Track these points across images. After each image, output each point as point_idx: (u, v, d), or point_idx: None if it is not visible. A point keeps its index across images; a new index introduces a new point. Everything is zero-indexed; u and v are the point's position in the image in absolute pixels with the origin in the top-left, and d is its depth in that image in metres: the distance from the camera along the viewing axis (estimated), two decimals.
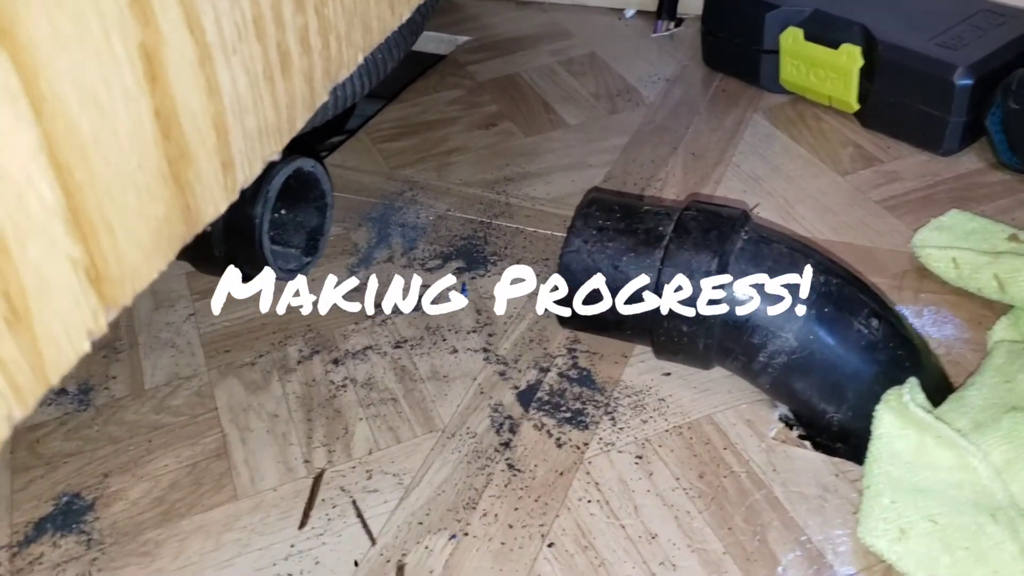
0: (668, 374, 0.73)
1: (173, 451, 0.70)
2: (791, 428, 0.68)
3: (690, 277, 0.65)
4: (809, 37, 0.98)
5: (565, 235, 0.70)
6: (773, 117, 1.02)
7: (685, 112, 1.04)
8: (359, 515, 0.64)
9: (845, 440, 0.65)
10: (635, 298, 0.67)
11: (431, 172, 0.98)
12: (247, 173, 0.39)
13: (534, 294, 0.81)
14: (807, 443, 0.67)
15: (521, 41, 1.22)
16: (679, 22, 1.21)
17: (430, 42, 1.24)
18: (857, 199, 0.89)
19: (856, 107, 0.97)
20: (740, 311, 0.64)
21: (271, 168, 0.76)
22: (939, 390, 0.67)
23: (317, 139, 1.12)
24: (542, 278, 0.83)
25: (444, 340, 0.77)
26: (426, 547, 0.62)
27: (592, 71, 1.14)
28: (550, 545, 0.61)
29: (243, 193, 0.77)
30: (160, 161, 0.33)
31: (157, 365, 0.78)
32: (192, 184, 0.36)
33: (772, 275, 0.65)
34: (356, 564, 0.61)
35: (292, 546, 0.63)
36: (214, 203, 0.38)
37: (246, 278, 0.82)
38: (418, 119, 1.07)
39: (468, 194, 0.94)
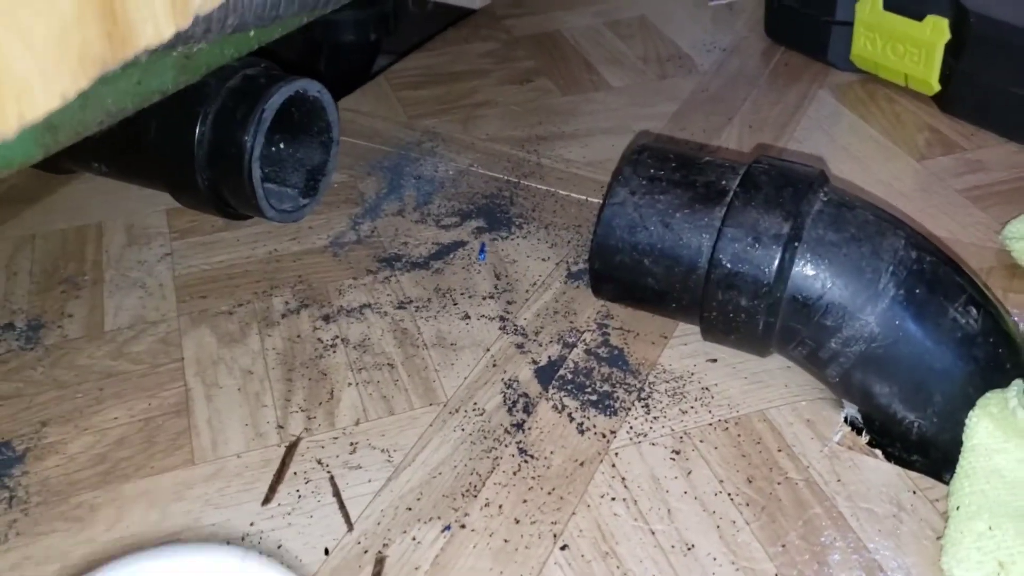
0: (714, 360, 0.61)
1: (126, 403, 0.59)
2: (859, 433, 0.57)
3: (757, 240, 0.54)
4: (889, 6, 0.87)
5: (607, 185, 0.59)
6: (841, 95, 0.91)
7: (743, 83, 0.93)
8: (336, 494, 0.53)
9: (925, 452, 0.54)
10: (687, 263, 0.56)
11: (455, 124, 0.87)
12: None
13: (563, 261, 0.70)
14: (878, 452, 0.55)
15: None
16: None
17: None
18: (935, 187, 0.78)
19: (936, 88, 0.86)
20: (811, 286, 0.53)
21: (269, 87, 0.66)
22: None
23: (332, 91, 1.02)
24: (573, 246, 0.72)
25: (455, 304, 0.67)
26: (413, 538, 0.51)
27: (641, 34, 1.03)
28: (563, 547, 0.50)
29: (235, 113, 0.67)
30: None
31: (121, 306, 0.67)
32: None
33: (855, 244, 0.53)
34: (327, 552, 0.50)
35: (252, 524, 0.52)
36: (154, 22, 0.27)
37: (232, 215, 0.72)
38: (445, 69, 0.97)
39: (495, 150, 0.83)
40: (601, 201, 0.59)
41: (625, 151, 0.61)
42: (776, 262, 0.54)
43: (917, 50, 0.86)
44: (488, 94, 0.92)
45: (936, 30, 0.84)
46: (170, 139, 0.66)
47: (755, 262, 0.54)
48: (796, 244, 0.54)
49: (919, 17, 0.85)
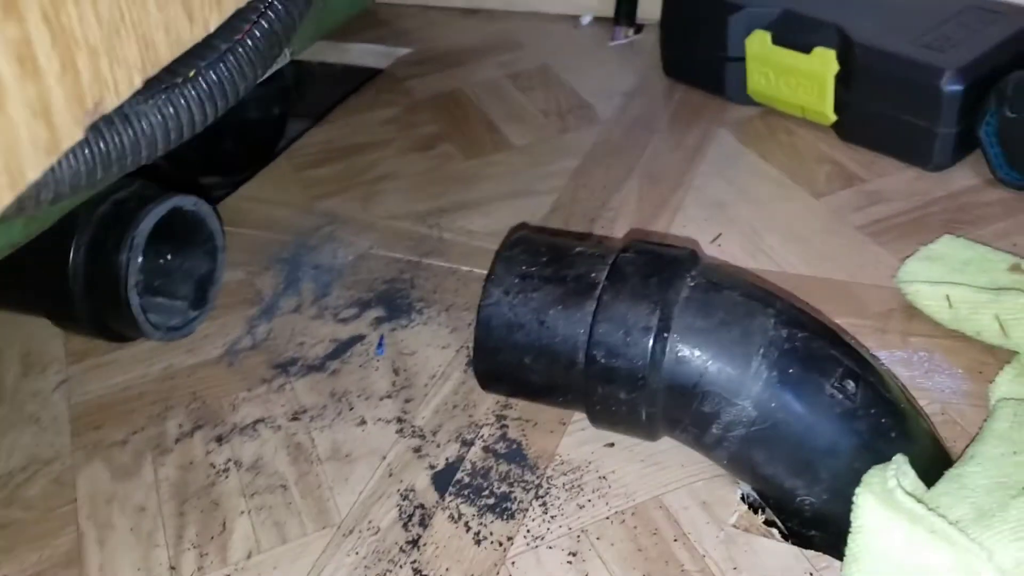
0: (611, 444, 0.61)
1: (16, 556, 0.58)
2: (756, 511, 0.56)
3: (627, 333, 0.53)
4: (778, 41, 0.87)
5: (483, 286, 0.58)
6: (740, 132, 0.90)
7: (643, 130, 0.92)
8: None
9: (822, 527, 0.54)
10: (565, 359, 0.56)
11: (355, 203, 0.86)
12: None
13: (463, 346, 0.69)
14: (775, 531, 0.55)
15: (466, 53, 1.11)
16: (639, 28, 1.09)
17: (367, 55, 1.13)
18: (835, 225, 0.77)
19: (832, 119, 0.86)
20: (686, 374, 0.53)
21: (139, 211, 0.65)
22: (934, 463, 0.55)
23: (240, 168, 1.01)
24: (474, 328, 0.71)
25: (351, 409, 0.66)
26: None
27: (543, 85, 1.02)
28: None
29: (106, 242, 0.66)
30: None
31: (15, 445, 0.66)
32: None
33: (725, 328, 0.53)
34: None
35: None
36: None
37: (117, 338, 0.71)
38: (346, 141, 0.96)
39: (395, 228, 0.83)
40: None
41: (498, 249, 0.60)
42: (648, 354, 0.53)
43: (809, 82, 0.86)
44: (390, 166, 0.91)
45: (824, 62, 0.84)
46: (45, 272, 0.65)
47: (628, 355, 0.53)
48: (666, 334, 0.53)
49: (807, 50, 0.85)
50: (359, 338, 0.71)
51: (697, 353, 0.53)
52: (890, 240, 0.74)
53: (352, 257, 0.80)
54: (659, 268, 0.55)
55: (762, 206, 0.80)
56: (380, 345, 0.70)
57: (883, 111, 0.81)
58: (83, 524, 0.60)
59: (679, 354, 0.53)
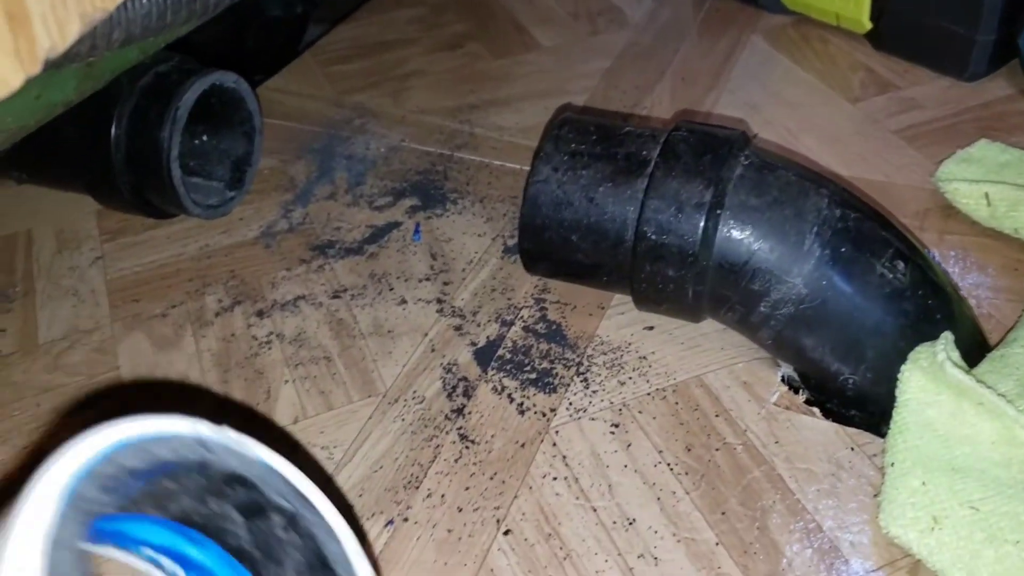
0: (651, 328, 0.61)
1: (65, 417, 0.59)
2: (796, 392, 0.57)
3: (679, 210, 0.54)
4: None
5: (532, 164, 0.58)
6: (773, 39, 0.90)
7: (673, 35, 0.92)
8: None
9: (862, 406, 0.55)
10: (613, 236, 0.56)
11: (385, 98, 0.86)
12: (55, 36, 0.27)
13: (499, 235, 0.70)
14: (816, 410, 0.56)
15: None
16: None
17: None
18: (870, 128, 0.77)
19: (868, 26, 0.86)
20: (737, 251, 0.53)
21: (182, 83, 0.64)
22: (975, 347, 0.56)
23: (260, 71, 1.00)
24: (509, 218, 0.71)
25: (391, 289, 0.66)
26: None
27: None
28: (506, 532, 0.50)
29: (149, 113, 0.65)
30: None
31: (55, 316, 0.66)
32: None
33: (778, 207, 0.53)
34: None
35: None
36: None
37: (159, 215, 0.71)
38: (373, 39, 0.95)
39: (426, 123, 0.82)
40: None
41: (547, 126, 0.60)
42: (700, 231, 0.53)
43: None
44: (418, 63, 0.91)
45: None
46: (87, 144, 0.65)
47: (679, 232, 0.54)
48: (719, 211, 0.53)
49: None
50: (395, 224, 0.72)
51: (749, 230, 0.53)
52: (925, 144, 0.75)
53: (384, 149, 0.80)
54: (712, 146, 0.55)
55: (797, 109, 0.80)
56: (416, 232, 0.70)
57: (920, 18, 0.81)
58: (127, 390, 0.60)
59: (731, 231, 0.53)
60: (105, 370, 0.62)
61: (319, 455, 0.55)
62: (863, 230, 0.54)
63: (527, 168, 0.75)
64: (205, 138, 0.72)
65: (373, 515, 0.52)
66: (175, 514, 0.25)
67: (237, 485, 0.24)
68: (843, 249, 0.53)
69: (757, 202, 0.54)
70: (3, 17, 0.25)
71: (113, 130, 0.64)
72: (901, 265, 0.53)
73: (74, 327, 0.65)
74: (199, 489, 0.24)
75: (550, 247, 0.58)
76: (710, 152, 0.55)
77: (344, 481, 0.53)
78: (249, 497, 0.24)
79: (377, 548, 0.50)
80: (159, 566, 0.27)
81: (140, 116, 0.64)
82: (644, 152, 0.56)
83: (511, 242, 0.69)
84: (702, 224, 0.53)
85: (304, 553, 0.24)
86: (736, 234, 0.53)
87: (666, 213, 0.54)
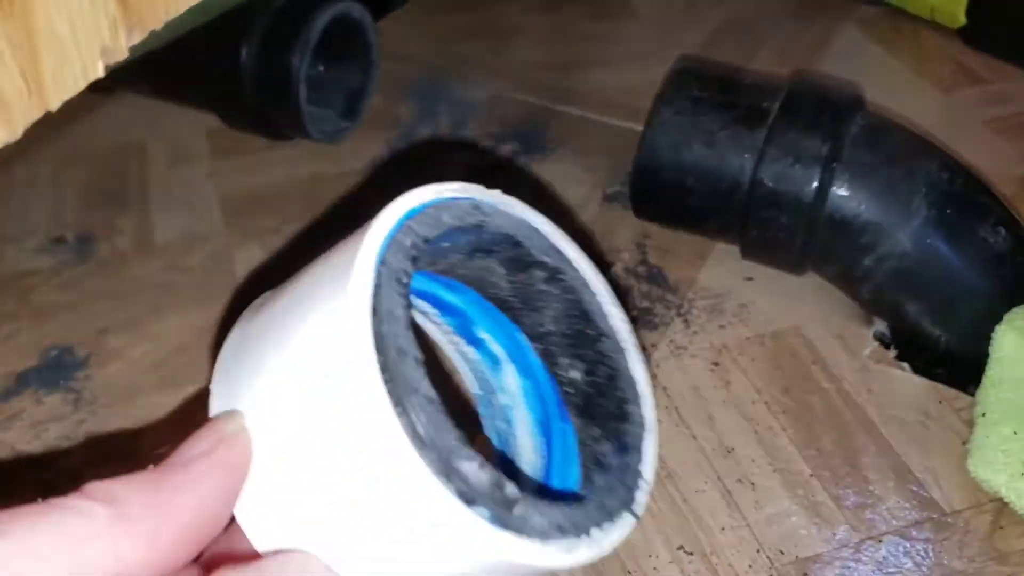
0: (750, 279, 0.64)
1: (182, 312, 0.61)
2: (888, 348, 0.59)
3: (797, 161, 0.56)
4: None
5: (651, 105, 0.61)
6: (867, 28, 0.92)
7: (770, 13, 0.94)
8: None
9: (951, 365, 0.57)
10: (730, 181, 0.58)
11: (486, 50, 0.88)
12: None
13: (598, 185, 0.72)
14: (906, 365, 0.58)
15: None
16: None
17: None
18: (961, 118, 0.79)
19: (962, 21, 0.87)
20: (849, 205, 0.55)
21: (313, 8, 0.67)
22: None
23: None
24: (608, 169, 0.73)
25: None
26: None
27: None
28: None
29: (280, 35, 0.68)
30: None
31: (170, 222, 0.69)
32: None
33: (890, 165, 0.55)
34: None
35: None
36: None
37: (278, 135, 0.73)
38: None
39: (527, 76, 0.85)
40: (641, 125, 0.61)
41: (667, 72, 0.62)
42: (816, 182, 0.56)
43: None
44: (517, 20, 0.93)
45: None
46: (217, 60, 0.68)
47: (796, 182, 0.56)
48: (835, 165, 0.56)
49: None
50: (498, 166, 0.74)
51: (862, 186, 0.56)
52: (1016, 137, 0.77)
53: (485, 96, 0.82)
54: (831, 103, 0.58)
55: (889, 95, 0.82)
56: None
57: (1017, 15, 0.83)
58: (242, 295, 0.63)
59: (845, 185, 0.56)
60: (220, 274, 0.64)
61: None
62: (969, 194, 0.56)
63: (626, 125, 0.77)
64: (322, 68, 0.74)
65: None
66: (442, 268, 0.27)
67: (504, 244, 0.26)
68: (948, 211, 0.55)
69: (871, 159, 0.56)
70: None
71: (244, 50, 0.67)
72: (1003, 231, 0.55)
73: (190, 232, 0.68)
74: (468, 246, 0.26)
75: (663, 188, 0.61)
76: (829, 108, 0.57)
77: None
78: (515, 253, 0.26)
79: None
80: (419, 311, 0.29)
81: (271, 39, 0.67)
82: (764, 103, 0.59)
83: (610, 190, 0.71)
84: (818, 176, 0.56)
85: (563, 304, 0.26)
86: (849, 188, 0.56)
87: (783, 163, 0.56)
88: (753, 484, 0.51)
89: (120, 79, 0.75)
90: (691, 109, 0.59)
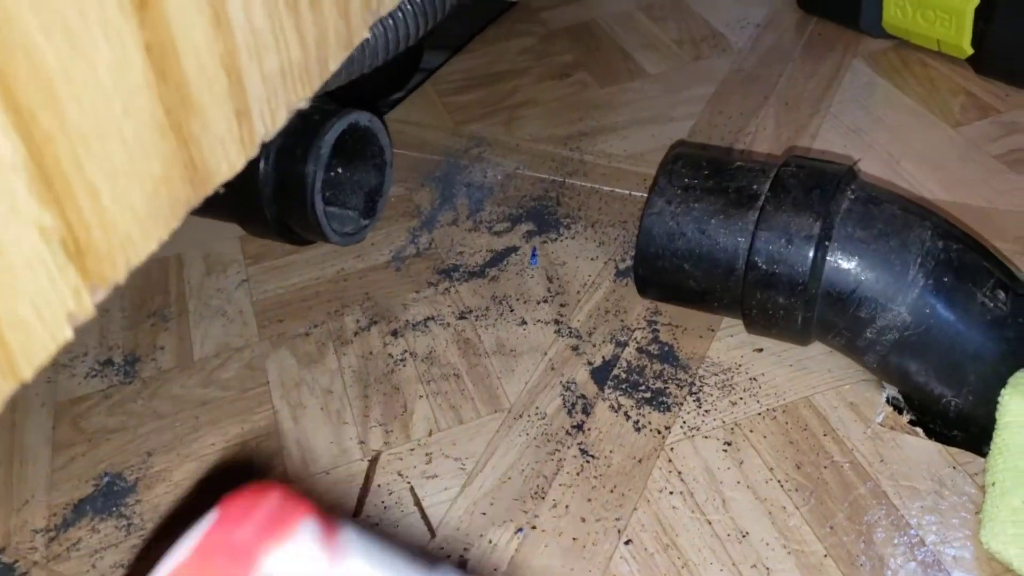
0: (760, 350, 0.65)
1: (221, 428, 0.65)
2: (900, 413, 0.60)
3: (789, 242, 0.57)
4: None
5: (647, 195, 0.62)
6: (875, 64, 0.92)
7: (777, 59, 0.95)
8: (417, 503, 0.59)
9: (964, 427, 0.58)
10: (725, 265, 0.60)
11: (499, 127, 0.91)
12: (268, 124, 0.33)
13: (611, 259, 0.74)
14: (919, 430, 0.59)
15: None
16: None
17: None
18: (972, 154, 0.79)
19: (968, 52, 0.87)
20: (845, 281, 0.57)
21: (324, 123, 0.70)
22: None
23: (379, 96, 1.06)
24: (620, 242, 0.75)
25: (511, 311, 0.71)
26: (489, 541, 0.56)
27: (674, 15, 1.05)
28: (627, 542, 0.55)
29: (295, 151, 0.71)
30: (154, 107, 0.27)
31: (207, 334, 0.73)
32: (197, 137, 0.30)
33: (884, 238, 0.56)
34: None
35: None
36: (227, 160, 0.32)
37: (299, 241, 0.77)
38: (486, 70, 1.00)
39: (539, 151, 0.87)
40: (644, 201, 0.63)
41: (661, 161, 0.64)
42: (809, 261, 0.57)
43: (947, 15, 0.87)
44: (529, 93, 0.96)
45: None
46: (237, 178, 0.71)
47: (789, 262, 0.57)
48: (827, 243, 0.57)
49: None
50: (513, 249, 0.77)
51: (856, 261, 0.57)
52: None
53: (500, 176, 0.85)
54: (820, 181, 0.59)
55: (899, 134, 0.83)
56: (533, 256, 0.75)
57: (1023, 42, 0.82)
58: (277, 403, 0.66)
59: (839, 262, 0.57)
60: (255, 385, 0.68)
61: (452, 466, 0.60)
62: (965, 260, 0.57)
63: (635, 193, 0.79)
64: (340, 171, 0.78)
65: (504, 522, 0.56)
66: None
67: None
68: (946, 279, 0.56)
69: (864, 234, 0.57)
70: (232, 115, 0.31)
71: (261, 165, 0.71)
72: (1002, 294, 0.56)
73: (225, 345, 0.72)
74: None
75: (663, 274, 0.63)
76: (818, 186, 0.58)
77: (477, 490, 0.58)
78: None
79: (508, 554, 0.55)
80: None
81: (286, 153, 0.70)
82: (755, 186, 0.60)
83: (623, 265, 0.73)
84: (811, 255, 0.57)
85: None
86: (844, 264, 0.57)
87: (776, 244, 0.58)
88: (768, 569, 0.53)
89: None
90: (682, 197, 0.61)
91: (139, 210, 0.28)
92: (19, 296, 0.25)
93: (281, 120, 0.33)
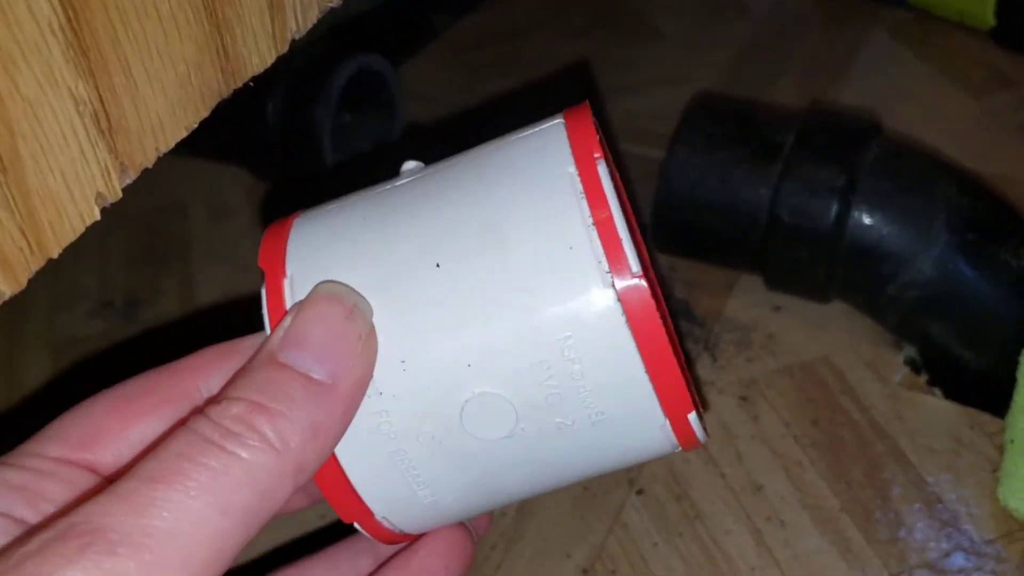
0: (778, 308, 0.64)
1: None
2: (918, 373, 0.59)
3: (813, 193, 0.56)
4: None
5: (668, 145, 0.61)
6: (896, 33, 0.91)
7: (796, 25, 0.94)
8: None
9: (983, 388, 0.57)
10: (747, 217, 0.59)
11: (517, 86, 0.90)
12: (300, 21, 0.32)
13: None
14: (937, 390, 0.58)
15: None
16: None
17: None
18: (994, 125, 0.78)
19: (992, 23, 0.86)
20: (868, 235, 0.56)
21: (334, 66, 0.69)
22: None
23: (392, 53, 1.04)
24: (636, 200, 0.74)
25: None
26: None
27: None
28: (639, 492, 0.54)
29: (303, 93, 0.70)
30: None
31: (212, 280, 0.72)
32: (231, 24, 0.29)
33: (908, 192, 0.55)
34: None
35: None
36: (258, 52, 0.31)
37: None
38: (499, 27, 0.99)
39: (557, 111, 0.86)
40: (661, 160, 0.62)
41: (683, 110, 0.63)
42: (833, 213, 0.56)
43: None
44: (549, 50, 0.94)
45: None
46: (245, 116, 0.70)
47: (813, 214, 0.56)
48: (851, 195, 0.56)
49: None
50: None
51: (880, 215, 0.56)
52: None
53: None
54: (846, 132, 0.58)
55: (920, 104, 0.81)
56: None
57: None
58: None
59: (863, 215, 0.56)
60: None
61: None
62: (990, 218, 0.56)
63: (654, 152, 0.78)
64: (348, 118, 0.76)
65: None
66: None
67: None
68: (969, 236, 0.55)
69: (888, 187, 0.56)
70: (265, 6, 0.30)
71: (269, 107, 0.69)
72: None
73: (231, 291, 0.70)
74: None
75: (682, 226, 0.62)
76: (843, 137, 0.57)
77: None
78: None
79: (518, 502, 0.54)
80: None
81: (295, 95, 0.69)
82: (778, 137, 0.59)
83: (642, 222, 0.72)
84: (835, 207, 0.56)
85: None
86: (867, 218, 0.56)
87: (800, 196, 0.57)
88: (783, 522, 0.52)
89: None
90: (705, 146, 0.60)
91: (171, 93, 0.27)
92: (51, 167, 0.24)
93: (312, 18, 0.32)
